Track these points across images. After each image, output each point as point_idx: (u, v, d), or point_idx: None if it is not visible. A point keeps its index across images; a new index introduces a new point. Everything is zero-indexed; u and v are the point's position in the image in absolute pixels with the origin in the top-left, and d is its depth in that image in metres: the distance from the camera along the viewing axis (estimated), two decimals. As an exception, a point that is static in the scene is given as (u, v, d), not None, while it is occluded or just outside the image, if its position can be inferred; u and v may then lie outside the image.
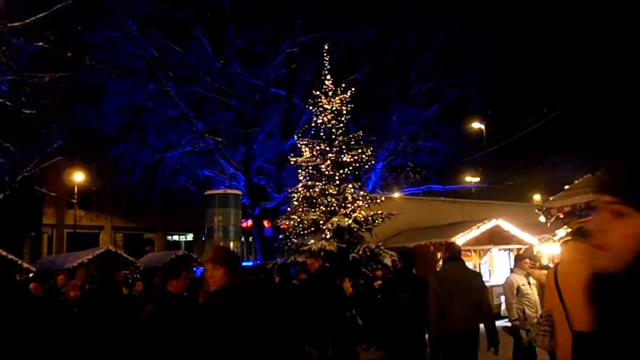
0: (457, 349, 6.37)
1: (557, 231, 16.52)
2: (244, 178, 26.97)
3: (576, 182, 8.02)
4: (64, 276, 10.26)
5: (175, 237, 35.77)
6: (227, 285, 5.58)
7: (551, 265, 10.66)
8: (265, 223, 28.66)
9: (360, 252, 15.60)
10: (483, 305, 6.50)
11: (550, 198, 15.38)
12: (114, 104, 25.68)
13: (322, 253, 14.30)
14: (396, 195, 23.06)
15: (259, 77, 27.57)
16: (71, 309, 7.58)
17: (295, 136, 19.39)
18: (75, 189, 27.17)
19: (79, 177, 27.36)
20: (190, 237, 35.56)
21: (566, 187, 7.78)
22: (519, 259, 9.48)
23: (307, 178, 17.42)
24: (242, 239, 24.75)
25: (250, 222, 28.93)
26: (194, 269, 16.08)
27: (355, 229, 16.32)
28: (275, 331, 7.63)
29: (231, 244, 16.20)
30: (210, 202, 16.60)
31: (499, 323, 9.40)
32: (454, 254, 6.77)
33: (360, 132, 18.10)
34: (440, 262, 17.50)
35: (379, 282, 12.64)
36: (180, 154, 26.92)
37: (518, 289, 8.73)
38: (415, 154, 29.14)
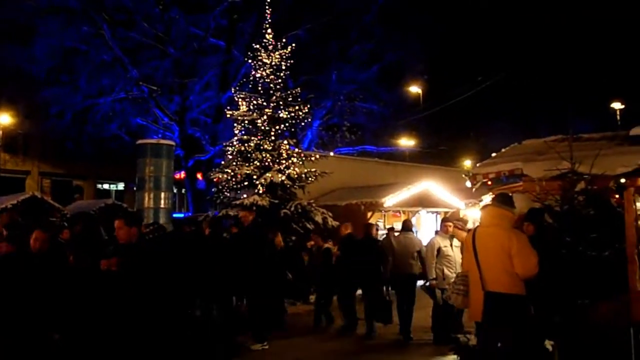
0: (404, 286, 9.94)
1: (483, 197, 17.15)
2: (178, 129, 26.43)
3: (503, 150, 8.27)
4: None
5: (106, 186, 34.85)
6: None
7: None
8: (199, 175, 28.34)
9: (292, 209, 15.71)
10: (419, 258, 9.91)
11: (477, 164, 15.86)
12: (45, 44, 24.38)
13: (255, 208, 14.30)
14: (331, 154, 23.20)
15: (198, 25, 26.74)
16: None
17: (233, 89, 19.07)
18: (0, 132, 25.95)
19: (4, 119, 26.06)
20: (121, 186, 34.71)
21: (493, 154, 8.02)
22: (444, 221, 9.82)
23: (243, 132, 17.25)
24: (175, 190, 24.40)
25: (183, 174, 28.53)
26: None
27: (288, 186, 16.38)
28: (192, 281, 7.63)
29: (162, 195, 15.96)
30: (142, 151, 16.19)
31: (420, 283, 9.81)
32: (406, 227, 10.90)
33: (299, 89, 17.98)
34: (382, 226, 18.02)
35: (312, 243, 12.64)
36: (113, 101, 25.97)
37: (439, 250, 9.05)
38: (352, 114, 29.29)
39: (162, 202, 15.91)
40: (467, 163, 33.96)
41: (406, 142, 33.10)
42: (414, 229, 17.41)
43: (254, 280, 8.79)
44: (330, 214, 16.23)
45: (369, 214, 18.37)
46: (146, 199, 15.81)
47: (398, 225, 19.72)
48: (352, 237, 10.76)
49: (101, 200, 22.62)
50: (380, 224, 18.39)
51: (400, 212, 19.73)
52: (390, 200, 18.40)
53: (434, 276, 9.00)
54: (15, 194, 20.43)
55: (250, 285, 8.85)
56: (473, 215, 19.70)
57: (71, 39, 24.77)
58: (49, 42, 24.30)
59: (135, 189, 17.59)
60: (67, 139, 27.50)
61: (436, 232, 11.65)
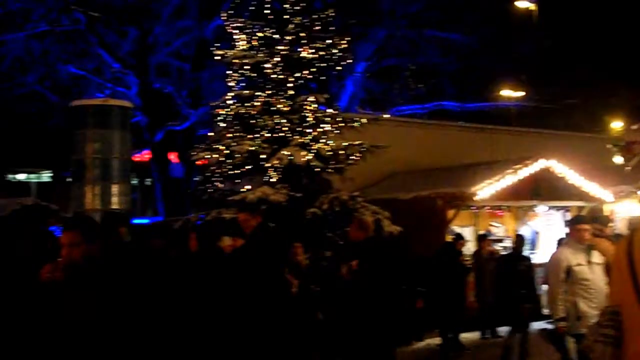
0: None
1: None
2: (137, 81, 26.67)
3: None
4: None
5: (21, 177, 35.48)
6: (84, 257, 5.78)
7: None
8: (172, 157, 28.58)
9: (326, 206, 15.75)
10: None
11: (633, 127, 15.71)
12: None
13: (264, 207, 14.37)
14: (386, 116, 23.14)
15: None
16: None
17: (224, 14, 19.08)
18: None
19: None
20: (46, 176, 35.31)
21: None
22: (574, 222, 9.74)
23: (242, 84, 17.33)
24: (135, 181, 24.64)
25: (147, 154, 28.81)
26: (53, 227, 16.01)
27: (317, 170, 16.43)
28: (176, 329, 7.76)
29: (115, 189, 16.14)
30: (80, 118, 16.38)
31: (538, 325, 9.74)
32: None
33: (332, 10, 17.96)
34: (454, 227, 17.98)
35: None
36: (29, 38, 26.29)
37: (569, 270, 8.99)
38: (420, 50, 29.04)
39: (115, 199, 16.11)
40: (617, 126, 33.47)
41: (510, 94, 32.74)
42: (526, 234, 17.43)
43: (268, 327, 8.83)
44: (387, 214, 16.20)
45: (451, 213, 18.28)
46: (88, 195, 16.02)
47: (498, 231, 19.86)
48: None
49: (15, 199, 22.99)
50: (467, 232, 18.36)
51: (502, 209, 19.59)
52: (485, 190, 18.27)
53: (563, 314, 8.96)
54: None
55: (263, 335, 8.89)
56: (627, 212, 19.56)
57: None
58: None
59: (70, 179, 17.82)
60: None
61: (561, 242, 11.55)
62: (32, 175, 35.70)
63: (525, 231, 18.35)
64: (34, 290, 6.29)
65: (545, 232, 20.16)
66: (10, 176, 34.78)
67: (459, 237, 15.72)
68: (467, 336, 15.43)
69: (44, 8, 25.88)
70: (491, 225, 19.81)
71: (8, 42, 26.25)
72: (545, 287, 9.46)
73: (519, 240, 14.49)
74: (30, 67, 27.04)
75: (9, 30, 25.98)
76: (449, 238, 16.40)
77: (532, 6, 32.74)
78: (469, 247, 17.28)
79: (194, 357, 8.36)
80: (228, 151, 16.56)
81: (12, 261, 7.39)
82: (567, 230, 14.01)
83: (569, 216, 19.10)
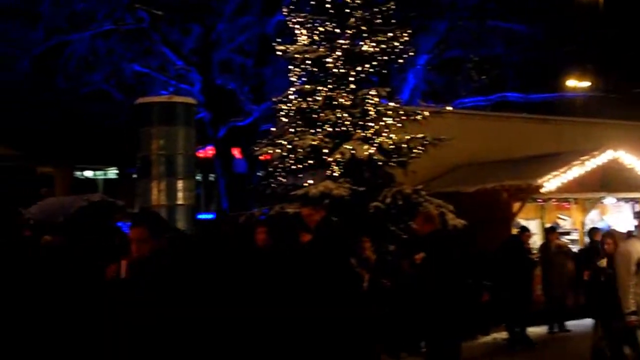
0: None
1: None
2: (200, 78, 26.87)
3: None
4: None
5: (89, 173, 35.92)
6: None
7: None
8: (236, 152, 28.74)
9: (389, 200, 15.70)
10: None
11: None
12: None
13: (327, 201, 14.39)
14: (448, 109, 22.96)
15: None
16: None
17: (285, 9, 19.13)
18: None
19: None
20: (112, 173, 35.72)
21: None
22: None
23: (304, 79, 17.38)
24: (199, 177, 24.88)
25: (211, 150, 29.01)
26: (120, 223, 16.20)
27: (380, 163, 16.38)
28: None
29: (180, 185, 16.25)
30: (145, 116, 16.51)
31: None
32: None
33: (392, 3, 17.89)
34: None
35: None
36: (95, 37, 26.63)
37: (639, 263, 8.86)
38: (482, 41, 28.77)
39: (180, 195, 16.22)
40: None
41: (575, 83, 32.26)
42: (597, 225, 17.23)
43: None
44: (451, 207, 16.11)
45: (516, 206, 18.10)
46: (154, 191, 16.15)
47: (565, 224, 19.62)
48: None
49: (82, 195, 23.24)
50: (533, 225, 18.16)
51: (570, 202, 19.35)
52: (551, 182, 18.05)
53: (633, 308, 8.83)
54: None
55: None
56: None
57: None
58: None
59: (135, 176, 17.99)
60: (23, 101, 28.32)
61: (629, 234, 11.39)
62: (98, 172, 36.16)
63: (598, 224, 18.10)
64: (102, 286, 6.41)
65: (614, 224, 19.86)
66: (77, 173, 35.28)
67: (525, 230, 15.56)
68: (534, 330, 15.25)
69: (108, 7, 26.21)
70: (558, 217, 19.59)
71: (74, 42, 26.61)
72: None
73: (594, 233, 14.38)
74: (96, 66, 27.37)
75: (74, 30, 26.34)
76: (515, 231, 16.25)
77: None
78: (535, 240, 17.11)
79: (271, 349, 8.39)
80: (290, 146, 16.61)
81: (80, 257, 7.52)
82: (636, 222, 13.81)
83: (638, 208, 18.79)
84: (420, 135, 16.78)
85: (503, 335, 14.88)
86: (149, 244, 5.96)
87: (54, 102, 27.73)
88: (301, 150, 16.54)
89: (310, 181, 16.35)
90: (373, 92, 16.87)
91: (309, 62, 17.14)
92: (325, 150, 16.34)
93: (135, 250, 6.00)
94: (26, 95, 27.72)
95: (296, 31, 17.47)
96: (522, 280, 14.26)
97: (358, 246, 10.98)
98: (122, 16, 26.46)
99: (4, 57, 26.50)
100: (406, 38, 17.52)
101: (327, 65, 16.94)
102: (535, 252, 16.16)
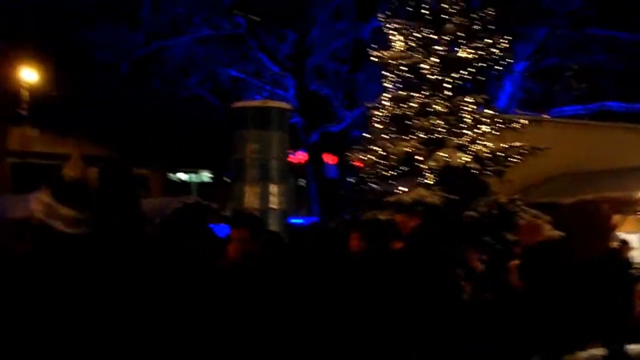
0: None
1: None
2: (294, 83, 27.03)
3: None
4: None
5: (183, 176, 36.38)
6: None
7: None
8: (328, 157, 28.82)
9: (484, 210, 15.52)
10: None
11: None
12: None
13: (420, 208, 14.28)
14: (546, 117, 22.65)
15: None
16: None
17: (380, 16, 19.10)
18: (25, 94, 27.26)
19: (29, 75, 27.40)
20: (206, 176, 36.13)
21: None
22: None
23: (399, 86, 17.33)
24: (293, 182, 24.97)
25: (303, 156, 29.13)
26: (213, 225, 16.37)
27: (475, 172, 16.23)
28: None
29: (273, 189, 16.32)
30: (240, 120, 16.64)
31: None
32: None
33: (491, 9, 17.71)
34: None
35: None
36: (192, 42, 27.01)
37: None
38: (582, 49, 28.29)
39: (274, 199, 16.30)
40: None
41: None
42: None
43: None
44: (548, 218, 15.80)
45: (617, 218, 17.65)
46: (248, 194, 16.27)
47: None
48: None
49: (177, 198, 23.59)
50: (634, 238, 17.69)
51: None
52: (653, 193, 17.64)
53: None
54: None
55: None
56: None
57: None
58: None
59: (229, 179, 18.15)
60: (122, 104, 28.81)
61: None
62: (192, 175, 36.65)
63: None
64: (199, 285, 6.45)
65: None
66: (171, 175, 35.82)
67: (625, 244, 15.18)
68: (634, 347, 14.82)
69: (207, 13, 26.57)
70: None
71: (172, 48, 27.04)
72: None
73: None
74: (192, 71, 27.76)
75: (174, 36, 26.77)
76: (615, 244, 15.86)
77: None
78: (636, 255, 16.69)
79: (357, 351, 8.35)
80: (384, 152, 16.60)
81: (178, 259, 7.58)
82: None
83: None
84: (517, 144, 16.61)
85: (600, 351, 14.50)
86: (249, 245, 6.18)
87: (151, 104, 28.16)
88: (394, 157, 16.53)
89: (403, 188, 16.30)
90: (469, 99, 16.77)
91: (404, 68, 17.13)
92: (419, 158, 16.28)
93: (236, 249, 6.22)
94: (124, 97, 28.20)
95: (391, 37, 17.47)
96: (622, 295, 13.89)
97: (464, 256, 10.82)
98: (219, 22, 26.80)
99: (104, 60, 27.00)
100: (504, 45, 17.35)
101: (423, 71, 16.88)
102: (636, 267, 15.77)
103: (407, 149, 16.41)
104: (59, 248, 5.34)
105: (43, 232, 5.30)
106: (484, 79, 18.06)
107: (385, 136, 16.92)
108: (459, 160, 15.95)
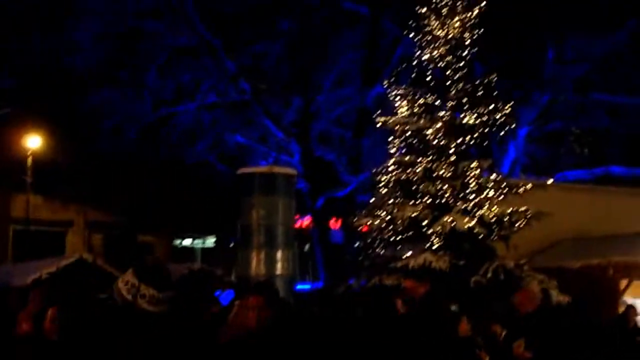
0: None
1: None
2: (299, 149, 27.11)
3: None
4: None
5: (187, 242, 36.31)
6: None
7: None
8: (333, 222, 28.76)
9: (490, 274, 15.48)
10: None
11: None
12: (94, 25, 26.03)
13: (427, 273, 14.27)
14: (550, 182, 22.66)
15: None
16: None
17: (385, 82, 19.26)
18: (29, 161, 27.25)
19: (34, 141, 27.42)
20: (210, 241, 36.09)
21: None
22: None
23: (403, 151, 17.42)
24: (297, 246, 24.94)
25: (308, 220, 29.09)
26: (218, 292, 16.32)
27: (481, 236, 16.21)
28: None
29: (279, 255, 16.30)
30: (246, 185, 16.70)
31: None
32: None
33: (494, 75, 17.84)
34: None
35: None
36: (199, 109, 27.16)
37: None
38: (586, 114, 28.40)
39: (280, 265, 16.27)
40: None
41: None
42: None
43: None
44: (555, 283, 15.80)
45: (623, 283, 17.65)
46: (254, 261, 16.23)
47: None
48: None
49: (182, 264, 23.55)
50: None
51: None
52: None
53: None
54: (53, 258, 21.78)
55: None
56: None
57: (132, 15, 26.26)
58: (99, 22, 25.93)
59: (233, 245, 18.12)
60: (128, 170, 28.79)
61: None
62: (197, 241, 36.63)
63: None
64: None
65: None
66: (177, 241, 35.82)
67: (632, 309, 15.08)
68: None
69: (214, 80, 26.75)
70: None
71: (179, 114, 27.16)
72: None
73: None
74: (199, 137, 27.84)
75: (181, 102, 26.90)
76: (621, 309, 15.77)
77: None
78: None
79: None
80: (389, 217, 16.61)
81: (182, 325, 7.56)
82: None
83: None
84: (522, 209, 16.58)
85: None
86: (265, 312, 6.30)
87: (156, 170, 28.18)
88: (400, 222, 16.52)
89: (409, 253, 16.26)
90: (474, 164, 16.80)
91: (409, 133, 17.21)
92: (425, 222, 16.27)
93: (251, 317, 6.26)
94: (133, 163, 28.22)
95: (396, 103, 17.58)
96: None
97: (483, 324, 10.73)
98: (225, 88, 26.95)
99: (112, 128, 27.08)
100: (508, 110, 17.43)
101: (427, 137, 16.96)
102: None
103: (413, 214, 16.41)
104: (143, 324, 5.49)
105: (128, 309, 5.45)
106: (488, 144, 18.14)
107: (391, 201, 16.92)
108: (464, 224, 15.95)
